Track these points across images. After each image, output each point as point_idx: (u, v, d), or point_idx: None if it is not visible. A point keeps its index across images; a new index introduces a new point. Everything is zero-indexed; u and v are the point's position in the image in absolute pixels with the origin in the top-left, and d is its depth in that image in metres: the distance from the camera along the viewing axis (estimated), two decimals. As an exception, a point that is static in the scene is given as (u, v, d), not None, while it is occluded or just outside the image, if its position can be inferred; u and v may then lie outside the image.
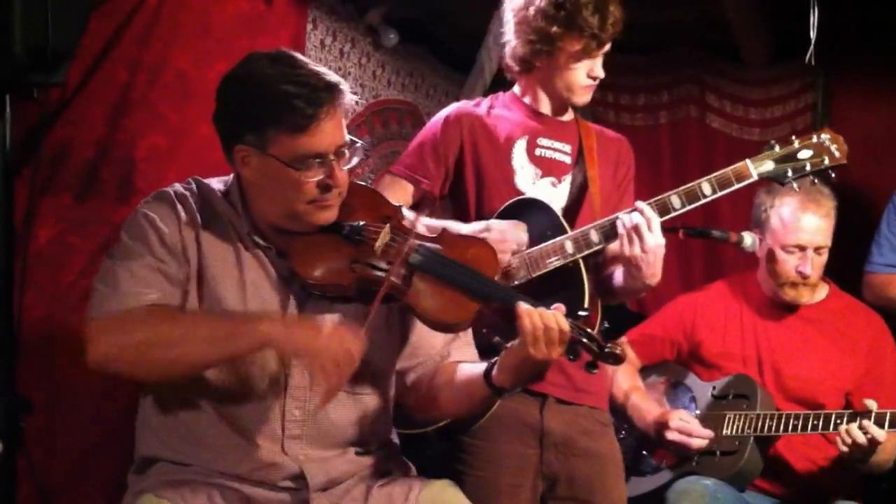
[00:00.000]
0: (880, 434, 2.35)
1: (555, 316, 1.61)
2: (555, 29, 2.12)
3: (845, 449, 2.39)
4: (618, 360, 1.66)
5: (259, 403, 1.67)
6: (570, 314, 1.65)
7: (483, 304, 1.67)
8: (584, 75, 2.19)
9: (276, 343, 1.59)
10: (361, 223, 1.70)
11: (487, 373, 1.69)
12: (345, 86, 1.65)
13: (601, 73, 2.21)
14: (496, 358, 1.68)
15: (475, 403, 1.77)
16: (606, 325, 1.68)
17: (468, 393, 1.74)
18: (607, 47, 2.18)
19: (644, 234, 2.04)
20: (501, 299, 1.68)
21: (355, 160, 1.69)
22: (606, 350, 1.65)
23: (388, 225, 1.70)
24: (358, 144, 1.68)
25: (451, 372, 1.79)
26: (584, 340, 1.64)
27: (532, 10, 2.15)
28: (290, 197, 1.64)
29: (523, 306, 1.62)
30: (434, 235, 1.79)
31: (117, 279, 1.62)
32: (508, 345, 1.67)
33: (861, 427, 2.36)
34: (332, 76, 1.64)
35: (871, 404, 2.39)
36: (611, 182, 2.29)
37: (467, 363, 1.81)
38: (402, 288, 1.66)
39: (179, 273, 1.65)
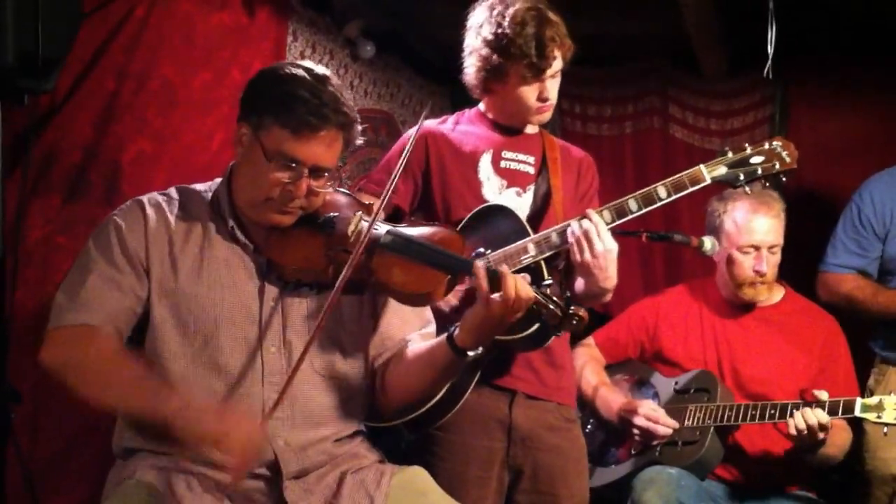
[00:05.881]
0: (827, 419, 2.44)
1: (515, 279, 1.70)
2: (495, 57, 2.17)
3: (794, 433, 2.47)
4: (581, 321, 1.74)
5: (238, 392, 1.72)
6: (535, 283, 1.74)
7: (451, 274, 1.76)
8: (534, 98, 2.22)
9: (178, 427, 1.56)
10: (335, 214, 1.78)
11: (450, 336, 1.76)
12: (356, 125, 1.74)
13: (552, 96, 2.24)
14: (457, 324, 1.76)
15: (439, 370, 1.81)
16: (568, 294, 1.77)
17: (432, 360, 1.81)
18: (552, 70, 2.19)
19: (593, 239, 2.08)
20: (468, 269, 1.76)
21: (327, 188, 1.76)
22: (570, 312, 1.73)
23: (359, 213, 1.79)
24: (333, 175, 1.75)
25: (412, 351, 1.86)
26: (550, 306, 1.73)
27: (479, 40, 2.21)
28: (255, 185, 1.73)
29: (482, 266, 1.72)
30: (405, 224, 1.88)
31: (76, 291, 1.70)
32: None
33: (813, 411, 2.45)
34: (350, 111, 1.72)
35: (822, 394, 2.49)
36: (573, 192, 2.34)
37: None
38: (374, 266, 1.74)
39: (136, 284, 1.72)
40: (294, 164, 1.70)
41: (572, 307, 1.74)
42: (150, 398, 1.61)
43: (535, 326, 2.02)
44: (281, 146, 1.69)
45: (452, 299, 2.10)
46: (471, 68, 2.26)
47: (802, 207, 3.40)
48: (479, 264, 1.73)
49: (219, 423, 1.57)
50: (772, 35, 2.74)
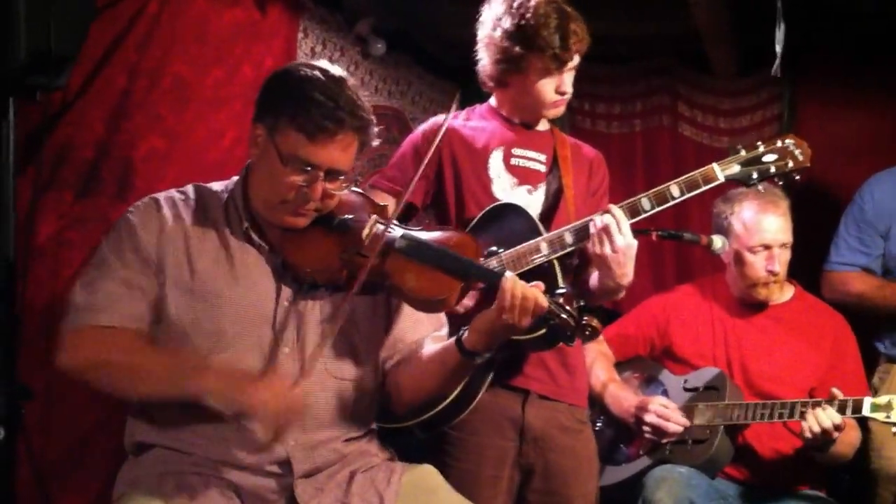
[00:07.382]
0: (840, 419, 2.44)
1: (532, 289, 1.71)
2: (517, 49, 2.17)
3: (809, 435, 2.46)
4: (594, 332, 1.75)
5: None
6: (549, 292, 1.75)
7: (465, 281, 1.76)
8: (552, 91, 2.22)
9: (215, 397, 1.63)
10: (350, 216, 1.79)
11: (459, 339, 1.77)
12: (372, 127, 1.73)
13: (569, 89, 2.24)
14: (466, 327, 1.77)
15: (449, 371, 1.82)
16: (581, 303, 1.79)
17: (442, 362, 1.81)
18: (573, 63, 2.20)
19: (614, 234, 2.08)
20: (482, 275, 1.77)
21: (342, 190, 1.77)
22: (583, 322, 1.74)
23: (374, 216, 1.80)
24: (348, 177, 1.76)
25: (424, 354, 1.86)
26: (563, 315, 1.73)
27: (498, 32, 2.20)
28: (270, 187, 1.73)
29: (510, 279, 1.72)
30: (419, 228, 1.88)
31: (92, 292, 1.71)
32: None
33: (826, 412, 2.44)
34: (367, 114, 1.73)
35: (837, 392, 2.48)
36: (584, 190, 2.33)
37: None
38: (388, 269, 1.74)
39: (146, 284, 1.72)
40: (310, 168, 1.70)
41: (585, 318, 1.75)
42: (185, 381, 1.65)
43: (544, 330, 2.01)
44: (297, 150, 1.69)
45: (468, 302, 2.09)
46: (487, 60, 2.25)
47: (811, 206, 3.38)
48: (508, 276, 1.73)
49: (252, 392, 1.60)
50: (780, 34, 2.73)
